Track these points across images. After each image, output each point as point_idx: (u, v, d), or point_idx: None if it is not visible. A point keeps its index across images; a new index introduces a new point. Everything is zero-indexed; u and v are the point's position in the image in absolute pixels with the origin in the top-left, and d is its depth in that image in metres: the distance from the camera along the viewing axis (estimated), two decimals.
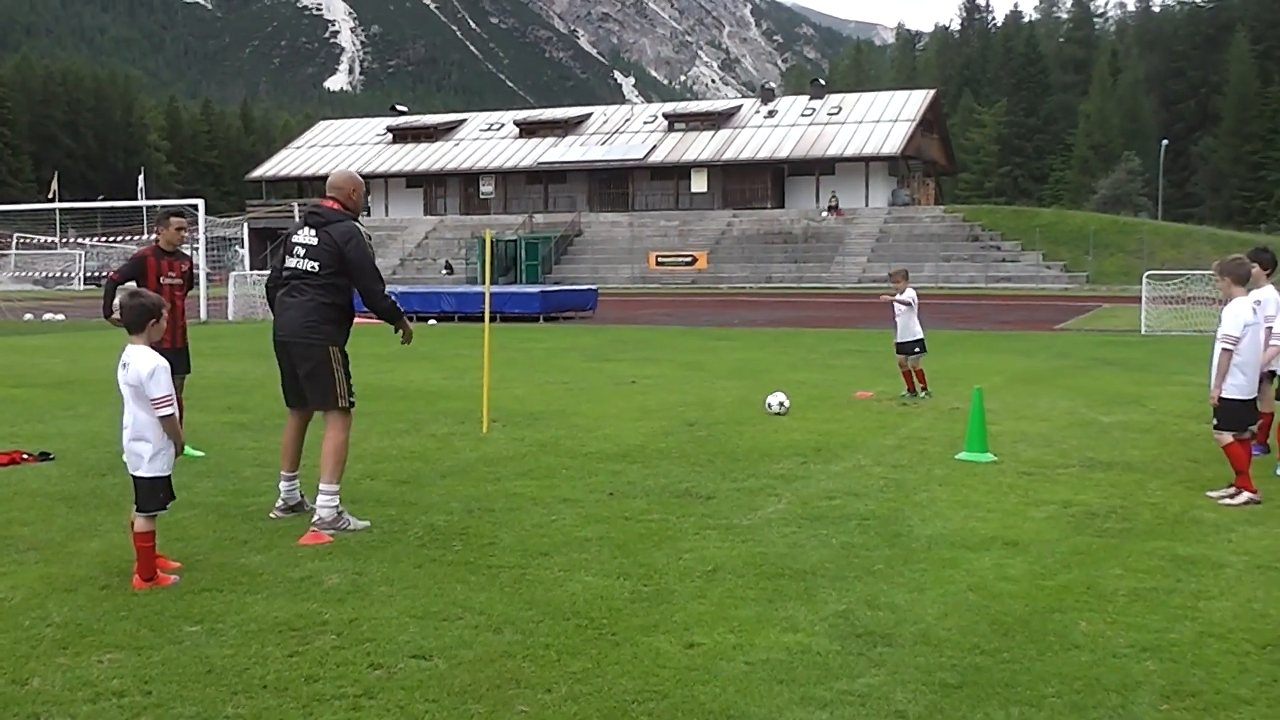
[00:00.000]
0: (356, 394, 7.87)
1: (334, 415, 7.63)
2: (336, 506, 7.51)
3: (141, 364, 6.23)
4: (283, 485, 7.93)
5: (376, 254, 7.93)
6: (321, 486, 7.52)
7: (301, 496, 7.96)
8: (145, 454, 6.27)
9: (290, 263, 7.70)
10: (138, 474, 6.30)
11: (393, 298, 7.85)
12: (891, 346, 14.82)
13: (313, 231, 7.66)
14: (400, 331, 8.06)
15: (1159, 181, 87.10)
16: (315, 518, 7.46)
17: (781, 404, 12.89)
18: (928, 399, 14.00)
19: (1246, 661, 5.11)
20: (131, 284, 9.81)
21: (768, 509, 8.14)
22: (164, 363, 6.30)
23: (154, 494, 6.29)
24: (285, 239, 7.94)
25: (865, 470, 9.59)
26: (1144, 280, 29.70)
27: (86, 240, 70.34)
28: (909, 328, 14.36)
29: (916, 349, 14.35)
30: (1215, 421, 8.57)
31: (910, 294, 14.44)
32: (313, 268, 7.59)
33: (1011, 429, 11.73)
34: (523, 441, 11.08)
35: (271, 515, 7.84)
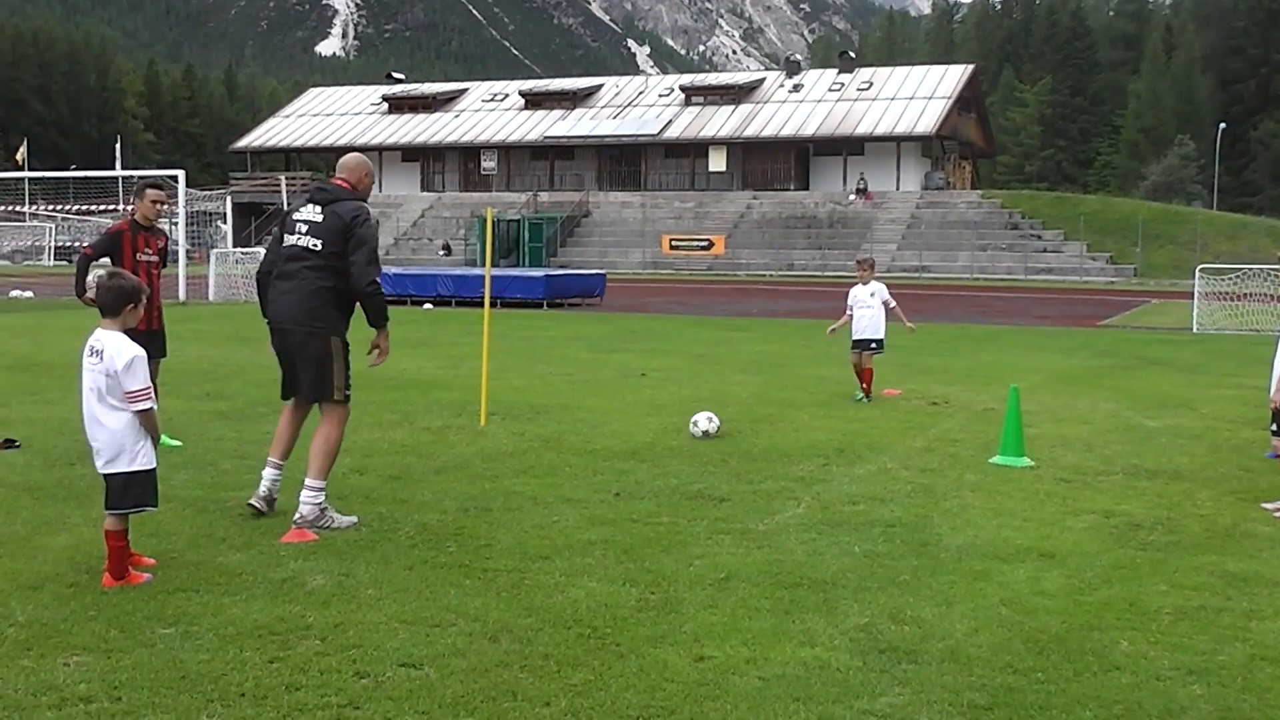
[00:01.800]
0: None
1: (329, 408, 7.63)
2: (320, 504, 7.51)
3: (118, 353, 6.16)
4: (267, 473, 7.83)
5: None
6: (307, 482, 7.51)
7: (275, 495, 7.88)
8: (117, 450, 6.23)
9: (290, 240, 7.65)
10: (108, 471, 6.28)
11: (384, 294, 7.72)
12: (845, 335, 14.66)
13: (318, 208, 7.62)
14: (374, 349, 7.79)
15: (1215, 168, 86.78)
16: (297, 515, 7.45)
17: (702, 427, 11.17)
18: (866, 403, 13.76)
19: None
20: (107, 261, 9.83)
21: (785, 513, 8.14)
22: (141, 352, 6.25)
23: (127, 492, 6.26)
24: (285, 216, 7.85)
25: (891, 474, 9.59)
26: (1196, 274, 29.61)
27: (57, 212, 70.49)
28: (875, 323, 14.25)
29: (874, 346, 14.21)
30: (1275, 427, 8.56)
31: (884, 291, 14.40)
32: (315, 245, 7.53)
33: (1050, 432, 11.72)
34: (523, 436, 11.09)
35: (249, 502, 7.79)
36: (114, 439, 6.22)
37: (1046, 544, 7.39)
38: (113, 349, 6.19)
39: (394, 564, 6.70)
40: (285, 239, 7.70)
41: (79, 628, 5.55)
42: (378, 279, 7.57)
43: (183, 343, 17.53)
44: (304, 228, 7.60)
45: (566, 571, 6.61)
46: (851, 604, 6.11)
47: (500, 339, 19.70)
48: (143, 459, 6.28)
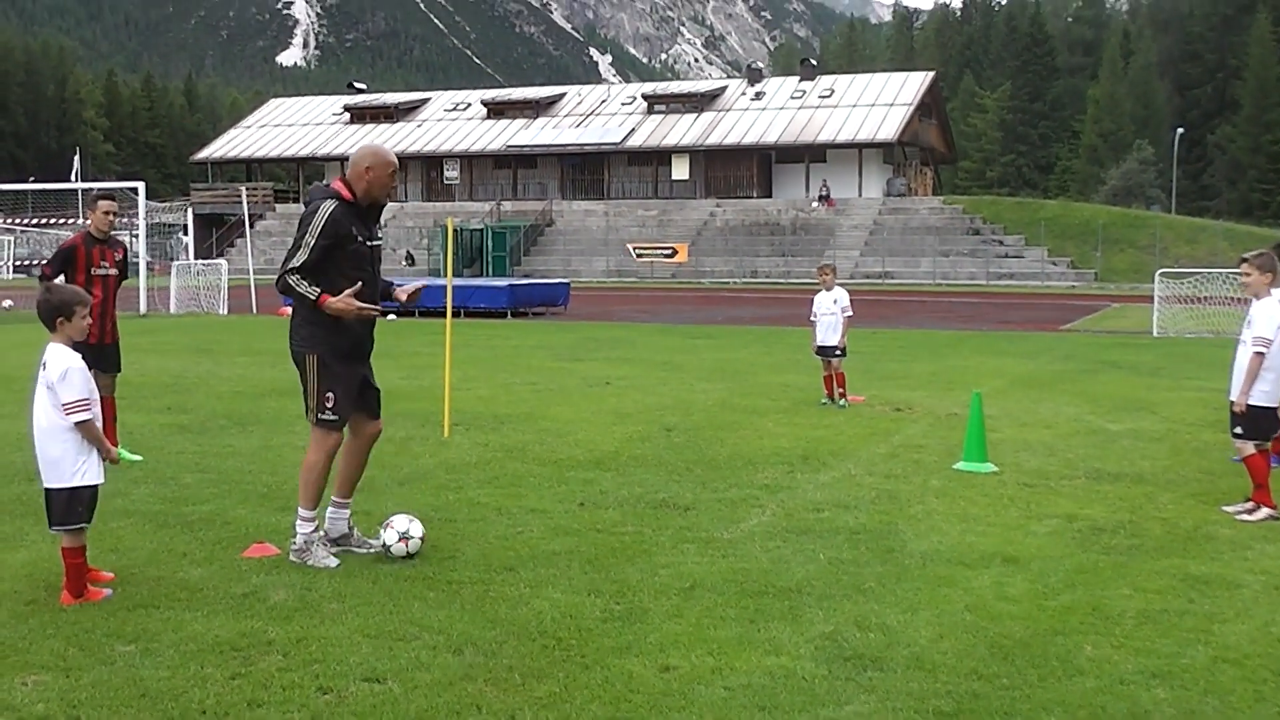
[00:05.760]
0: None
1: (312, 431, 7.12)
2: (306, 535, 7.01)
3: (55, 365, 6.13)
4: (329, 512, 7.30)
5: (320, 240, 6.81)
6: (298, 509, 7.11)
7: (350, 527, 7.33)
8: (58, 464, 6.14)
9: None
10: (50, 485, 6.18)
11: (289, 276, 6.88)
12: (811, 348, 14.69)
13: None
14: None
15: (1173, 172, 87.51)
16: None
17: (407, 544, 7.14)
18: (844, 407, 13.91)
19: (1263, 689, 5.13)
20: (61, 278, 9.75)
21: (750, 521, 8.13)
22: (78, 364, 6.17)
23: (72, 508, 6.16)
24: None
25: (856, 480, 9.60)
26: (1156, 278, 29.83)
27: (15, 225, 69.86)
28: (835, 329, 14.31)
29: (838, 353, 14.26)
30: (1238, 430, 8.61)
31: (845, 298, 14.43)
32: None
33: (1013, 437, 11.77)
34: (487, 447, 11.05)
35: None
36: (56, 454, 6.15)
37: (1010, 549, 7.42)
38: (52, 361, 6.16)
39: (357, 577, 6.65)
40: None
41: (37, 646, 5.49)
42: (285, 272, 6.88)
43: (143, 354, 17.41)
44: None
45: (531, 583, 6.58)
46: (817, 612, 6.11)
47: (464, 349, 19.66)
48: (86, 475, 6.20)
